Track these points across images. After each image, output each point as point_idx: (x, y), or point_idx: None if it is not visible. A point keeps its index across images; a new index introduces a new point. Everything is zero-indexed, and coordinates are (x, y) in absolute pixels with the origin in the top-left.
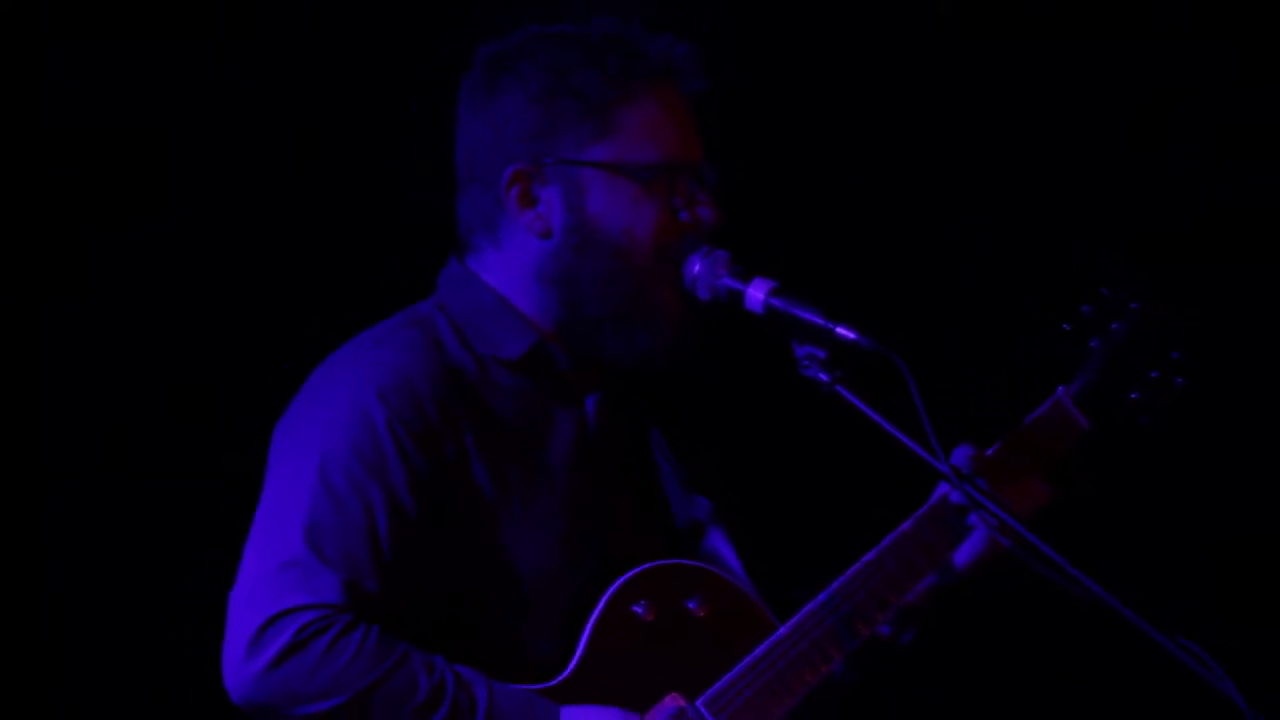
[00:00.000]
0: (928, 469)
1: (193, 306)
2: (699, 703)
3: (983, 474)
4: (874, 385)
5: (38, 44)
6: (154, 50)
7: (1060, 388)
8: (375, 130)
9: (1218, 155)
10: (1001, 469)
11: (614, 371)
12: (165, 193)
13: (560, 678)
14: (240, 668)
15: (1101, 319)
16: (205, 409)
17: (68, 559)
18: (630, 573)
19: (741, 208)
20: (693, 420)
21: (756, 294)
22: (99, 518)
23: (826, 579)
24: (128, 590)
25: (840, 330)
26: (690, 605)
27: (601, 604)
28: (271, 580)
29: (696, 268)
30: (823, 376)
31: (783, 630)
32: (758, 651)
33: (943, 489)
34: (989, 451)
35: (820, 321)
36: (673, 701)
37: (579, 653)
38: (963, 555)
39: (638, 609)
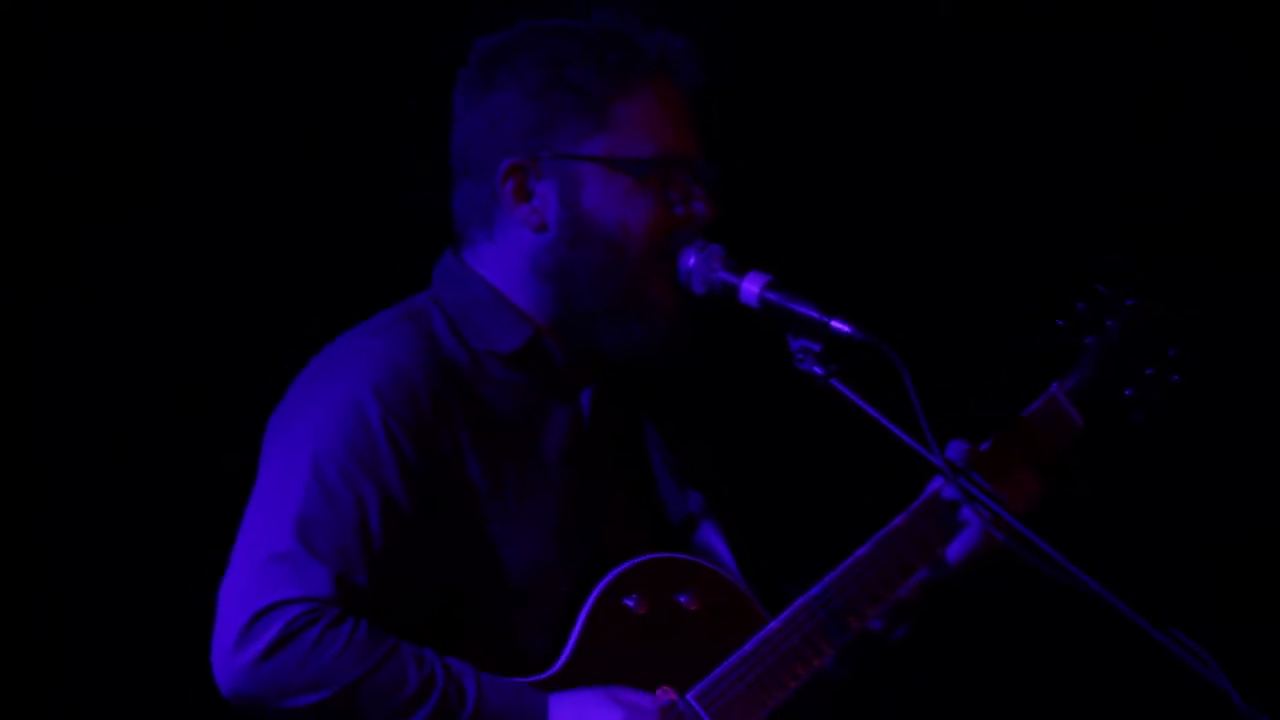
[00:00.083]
0: (922, 463)
1: (193, 306)
2: (690, 696)
3: (977, 468)
4: (869, 379)
5: (38, 44)
6: (154, 50)
7: (1055, 383)
8: (375, 130)
9: (1217, 155)
10: (996, 464)
11: (608, 365)
12: (165, 193)
13: (551, 671)
14: (229, 660)
15: (1097, 315)
16: (205, 409)
17: (68, 559)
18: (622, 566)
19: (739, 203)
20: (687, 414)
21: (751, 287)
22: (99, 518)
23: (819, 573)
24: (128, 590)
25: (835, 324)
26: (682, 599)
27: (593, 597)
28: (261, 573)
29: (691, 261)
30: (817, 370)
31: (774, 624)
32: (749, 645)
33: (936, 484)
34: (983, 446)
35: (815, 315)
36: (664, 695)
37: (570, 646)
38: (955, 550)
39: (630, 602)
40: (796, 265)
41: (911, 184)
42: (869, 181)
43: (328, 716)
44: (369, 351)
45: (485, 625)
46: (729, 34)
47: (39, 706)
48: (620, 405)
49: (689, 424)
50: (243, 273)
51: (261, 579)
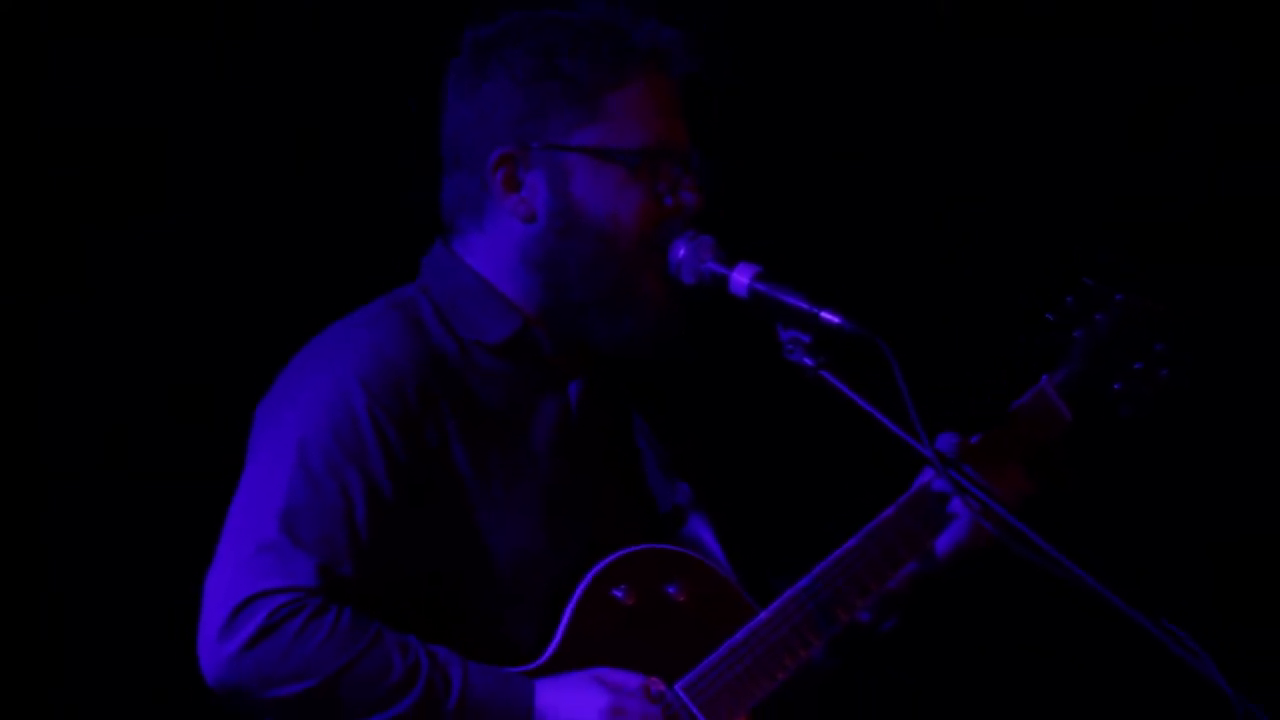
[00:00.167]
0: (911, 455)
1: (193, 306)
2: (678, 687)
3: (967, 461)
4: (858, 371)
5: (38, 44)
6: (154, 50)
7: (1045, 377)
8: (374, 130)
9: (1217, 155)
10: (985, 457)
11: (597, 356)
12: (165, 193)
13: (539, 661)
14: (214, 650)
15: (1085, 309)
16: (205, 409)
17: (68, 559)
18: (610, 557)
19: (737, 201)
20: (676, 405)
21: (741, 278)
22: (99, 518)
23: (808, 565)
24: (128, 590)
25: (825, 315)
26: (670, 590)
27: (581, 588)
28: (246, 563)
29: (681, 252)
30: (807, 361)
31: (763, 616)
32: (737, 637)
33: (925, 476)
34: (973, 439)
35: (805, 306)
36: (652, 685)
37: (558, 636)
38: (944, 542)
39: (618, 593)
40: (789, 258)
41: (911, 184)
42: (868, 180)
43: (312, 706)
44: (356, 341)
45: (472, 615)
46: (728, 32)
47: (39, 706)
48: (609, 396)
49: (678, 415)
50: (242, 273)
51: (246, 569)
